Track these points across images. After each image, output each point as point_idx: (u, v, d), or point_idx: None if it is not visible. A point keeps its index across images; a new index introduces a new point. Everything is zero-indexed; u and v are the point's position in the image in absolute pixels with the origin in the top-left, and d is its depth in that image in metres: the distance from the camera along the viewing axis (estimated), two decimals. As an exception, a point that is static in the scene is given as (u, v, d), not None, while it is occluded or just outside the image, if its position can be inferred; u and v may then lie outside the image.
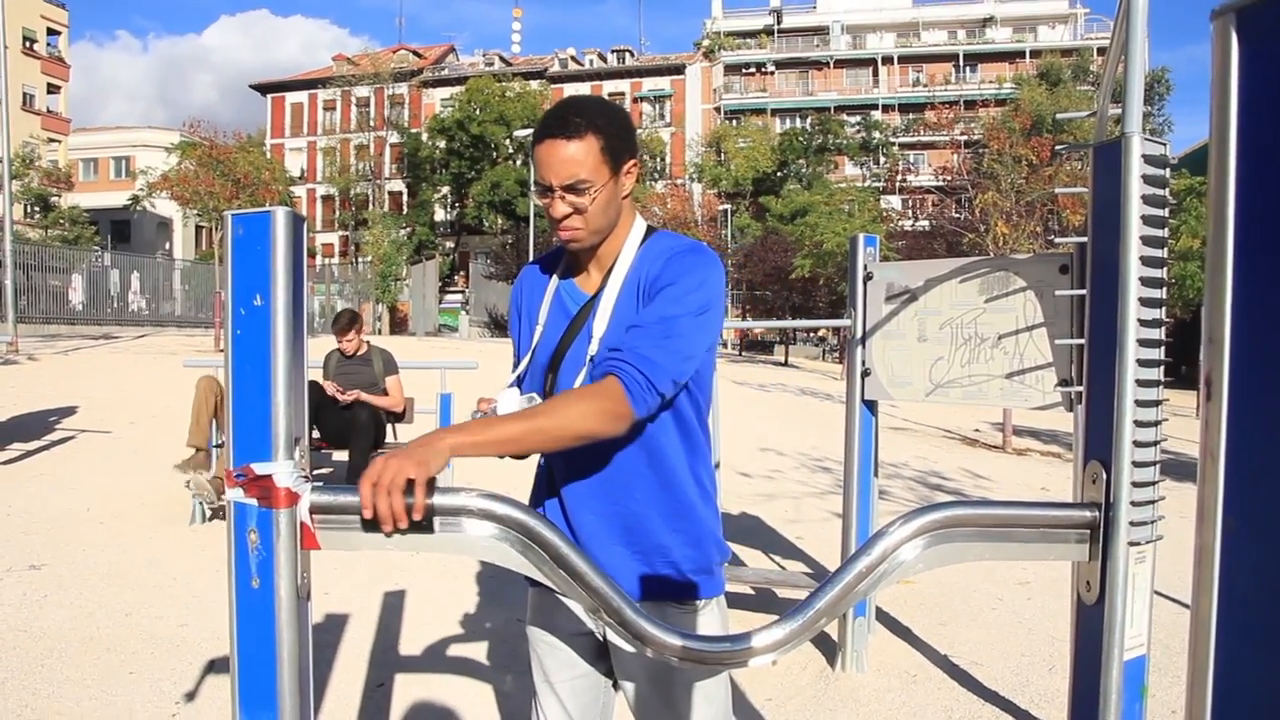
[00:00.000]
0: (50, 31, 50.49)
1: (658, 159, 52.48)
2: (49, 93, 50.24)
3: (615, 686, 1.96)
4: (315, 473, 7.73)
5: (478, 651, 4.33)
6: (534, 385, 1.90)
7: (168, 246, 51.21)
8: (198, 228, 49.07)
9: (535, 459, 2.05)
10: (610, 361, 1.68)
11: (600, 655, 1.92)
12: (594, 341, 1.80)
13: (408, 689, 3.89)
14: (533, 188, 1.81)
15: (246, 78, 60.85)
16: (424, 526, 1.39)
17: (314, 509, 1.37)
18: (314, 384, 6.88)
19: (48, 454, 8.39)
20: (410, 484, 1.36)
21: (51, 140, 48.19)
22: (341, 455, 7.18)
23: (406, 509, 1.36)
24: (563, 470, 1.84)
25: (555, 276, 1.94)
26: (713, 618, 1.87)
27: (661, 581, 1.83)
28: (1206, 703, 0.80)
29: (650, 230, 1.90)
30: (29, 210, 43.31)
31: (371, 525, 1.38)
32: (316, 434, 6.92)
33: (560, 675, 1.92)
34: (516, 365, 1.98)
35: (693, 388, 1.84)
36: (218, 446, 6.41)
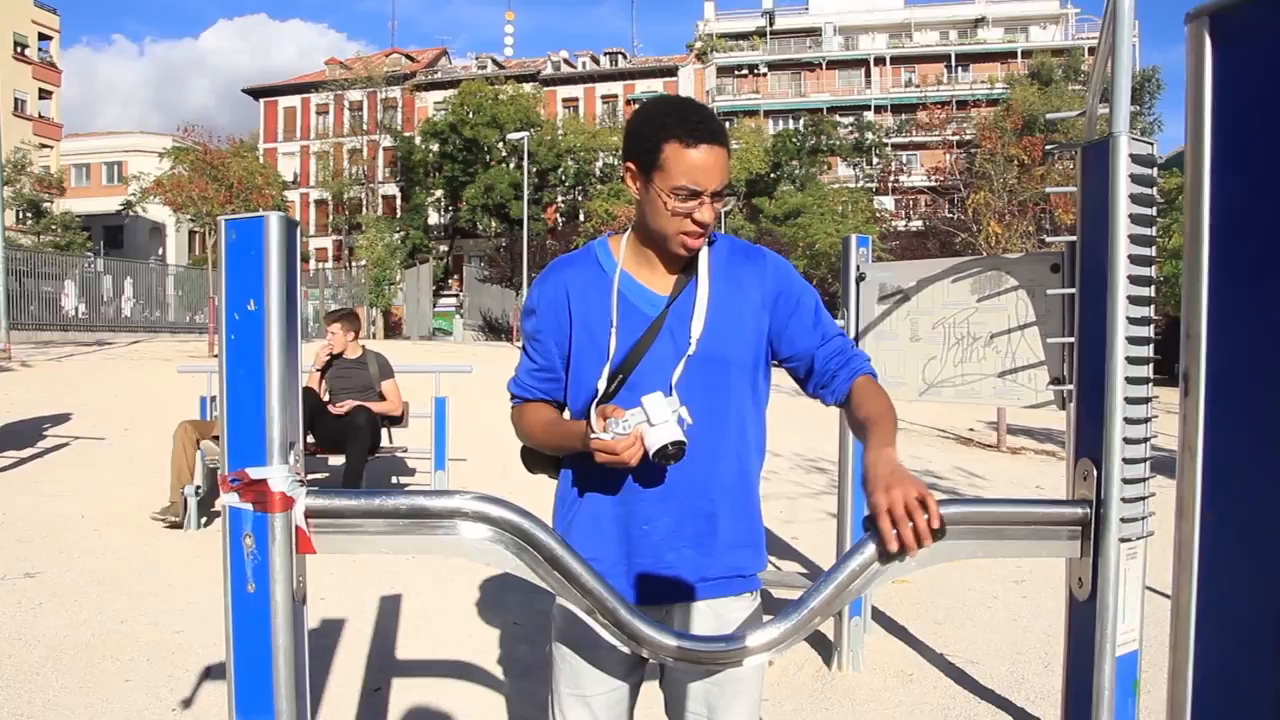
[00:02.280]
0: (42, 36, 50.44)
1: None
2: (40, 98, 50.17)
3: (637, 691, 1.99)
4: (310, 477, 7.72)
5: (475, 655, 4.32)
6: (592, 386, 1.85)
7: (161, 252, 51.08)
8: (191, 233, 48.98)
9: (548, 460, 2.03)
10: (857, 369, 1.87)
11: (633, 667, 1.92)
12: (693, 343, 1.80)
13: (405, 693, 3.89)
14: (673, 192, 1.75)
15: (244, 82, 60.66)
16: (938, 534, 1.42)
17: (309, 513, 1.38)
18: (308, 390, 6.88)
19: (41, 461, 8.38)
20: (921, 502, 1.41)
21: (43, 146, 48.11)
22: (337, 460, 7.17)
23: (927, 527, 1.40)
24: (639, 473, 1.80)
25: (614, 277, 1.88)
26: (759, 610, 1.92)
27: (721, 580, 1.87)
28: (1187, 690, 0.81)
29: None
30: (21, 216, 43.20)
31: (889, 556, 1.42)
32: (311, 439, 6.91)
33: (596, 688, 1.91)
34: (551, 370, 1.93)
35: (766, 387, 1.94)
36: (196, 489, 6.42)
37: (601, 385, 1.83)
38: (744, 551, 1.88)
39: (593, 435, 1.69)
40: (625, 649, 1.86)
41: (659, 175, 1.75)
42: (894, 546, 1.39)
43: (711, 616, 1.87)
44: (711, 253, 1.89)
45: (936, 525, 1.39)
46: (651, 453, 1.65)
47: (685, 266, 1.88)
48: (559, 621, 1.94)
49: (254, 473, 1.34)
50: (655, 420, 1.65)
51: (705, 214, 1.76)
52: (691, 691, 1.90)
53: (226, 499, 1.35)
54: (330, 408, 6.93)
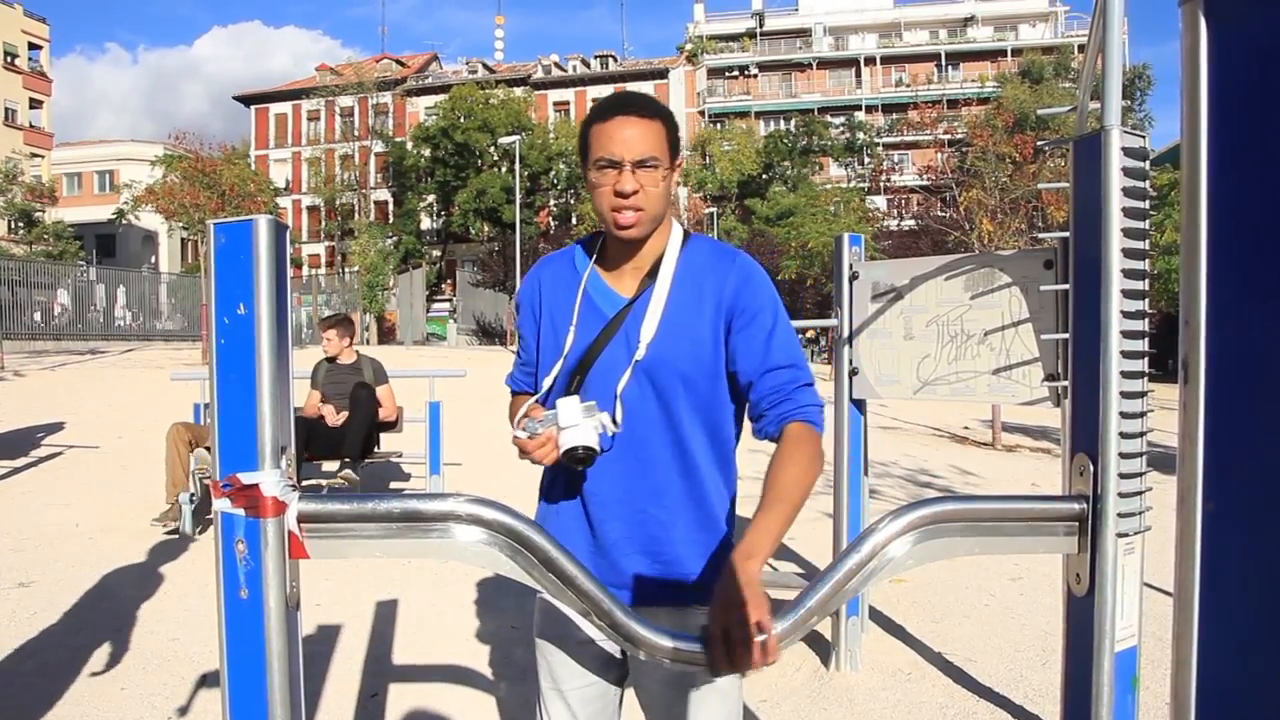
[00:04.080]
0: (32, 46, 50.34)
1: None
2: (31, 107, 50.07)
3: (623, 691, 1.95)
4: (304, 483, 7.70)
5: (471, 660, 4.31)
6: (557, 387, 1.85)
7: (153, 260, 50.99)
8: (183, 241, 48.93)
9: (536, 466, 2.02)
10: (791, 413, 1.73)
11: (610, 664, 1.90)
12: (642, 347, 1.77)
13: (401, 699, 3.87)
14: (595, 167, 1.75)
15: (238, 89, 60.46)
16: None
17: (302, 518, 1.36)
18: (300, 419, 6.89)
19: (35, 470, 8.35)
20: (758, 625, 1.37)
21: (34, 155, 47.97)
22: (331, 465, 7.16)
23: (762, 649, 1.36)
24: (592, 477, 1.80)
25: (584, 275, 1.88)
26: None
27: (680, 587, 1.82)
28: (1191, 681, 0.80)
29: (686, 234, 1.89)
30: (13, 226, 43.12)
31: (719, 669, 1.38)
32: (306, 453, 6.93)
33: (572, 683, 1.89)
34: (531, 365, 1.93)
35: (731, 400, 1.85)
36: (190, 496, 6.42)
37: (546, 383, 1.86)
38: (705, 562, 1.82)
39: (514, 432, 1.72)
40: (606, 646, 1.85)
41: (588, 159, 1.77)
42: (716, 670, 1.37)
43: (672, 626, 1.84)
44: (682, 255, 1.84)
45: (771, 660, 1.36)
46: (560, 454, 1.69)
47: (653, 269, 1.83)
48: (537, 617, 1.94)
49: (246, 478, 1.33)
50: (564, 424, 1.68)
51: (625, 183, 1.72)
52: (660, 701, 1.87)
53: (219, 504, 1.34)
54: (326, 414, 6.94)
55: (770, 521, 1.57)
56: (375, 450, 7.33)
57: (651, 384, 1.78)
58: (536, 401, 1.84)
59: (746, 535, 1.56)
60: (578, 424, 1.67)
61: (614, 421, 1.76)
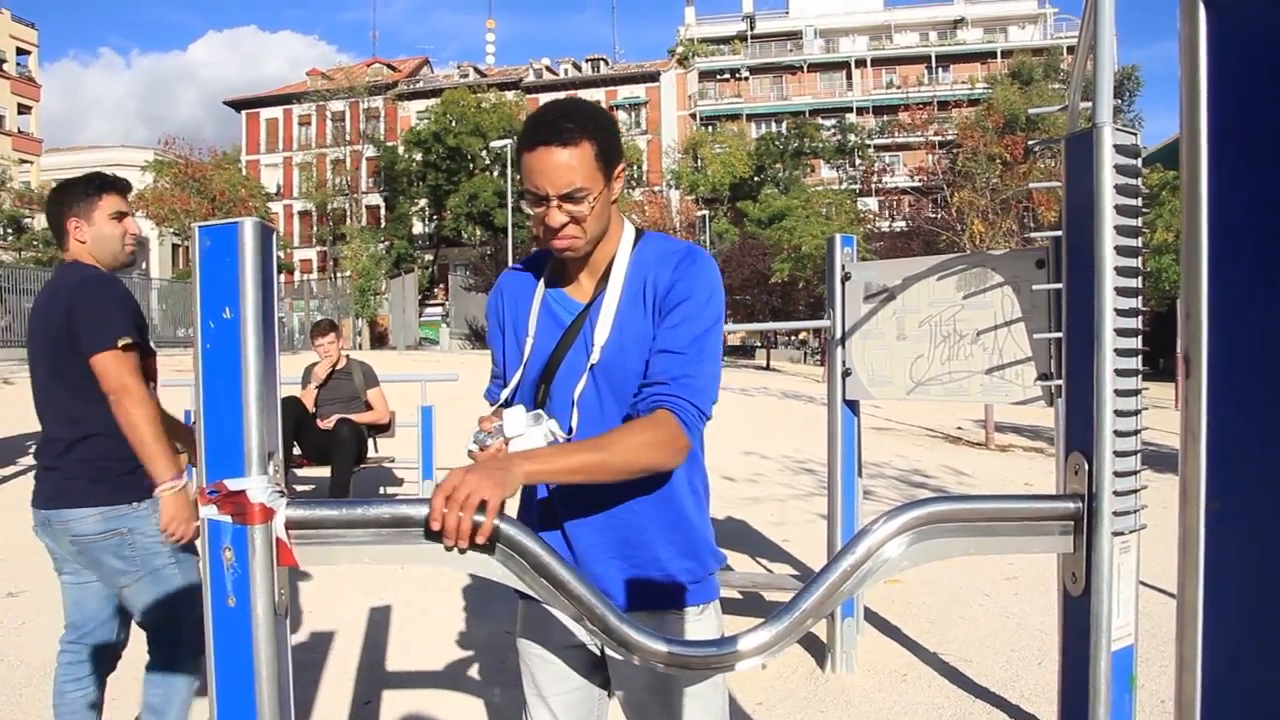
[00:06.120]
0: (20, 51, 50.26)
1: (634, 167, 52.43)
2: (20, 113, 49.96)
3: (609, 696, 1.94)
4: (301, 489, 7.68)
5: (465, 666, 4.30)
6: (525, 397, 1.85)
7: (144, 266, 50.87)
8: (174, 247, 48.82)
9: None
10: (658, 396, 1.70)
11: (594, 668, 1.89)
12: (595, 351, 1.76)
13: (395, 705, 3.86)
14: (524, 196, 1.74)
15: (233, 94, 60.39)
16: (485, 548, 1.37)
17: (290, 524, 1.35)
18: (295, 400, 6.85)
19: (24, 479, 8.29)
20: (482, 504, 1.36)
21: (23, 161, 47.85)
22: (322, 471, 7.13)
23: (474, 528, 1.35)
24: (562, 486, 1.80)
25: (540, 284, 1.88)
26: (709, 623, 1.86)
27: (657, 591, 1.81)
28: (1196, 685, 0.79)
29: (639, 233, 1.87)
30: (2, 233, 42.98)
31: (434, 536, 1.36)
32: (297, 450, 6.88)
33: (554, 689, 1.89)
34: (502, 377, 1.93)
35: None
36: None
37: (505, 394, 1.87)
38: (679, 562, 1.82)
39: (467, 446, 1.74)
40: (589, 649, 1.86)
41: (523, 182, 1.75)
42: (435, 525, 1.35)
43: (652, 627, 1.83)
44: (634, 255, 1.83)
45: (481, 539, 1.35)
46: None
47: (606, 273, 1.83)
48: (519, 622, 1.94)
49: (232, 484, 1.31)
50: (510, 434, 1.70)
51: (552, 219, 1.70)
52: (643, 710, 1.86)
53: (205, 511, 1.33)
54: (316, 420, 6.91)
55: (571, 451, 1.63)
56: (368, 456, 7.30)
57: (609, 387, 1.78)
58: (493, 413, 1.84)
59: (565, 444, 1.65)
60: (524, 433, 1.70)
61: (566, 429, 1.76)
